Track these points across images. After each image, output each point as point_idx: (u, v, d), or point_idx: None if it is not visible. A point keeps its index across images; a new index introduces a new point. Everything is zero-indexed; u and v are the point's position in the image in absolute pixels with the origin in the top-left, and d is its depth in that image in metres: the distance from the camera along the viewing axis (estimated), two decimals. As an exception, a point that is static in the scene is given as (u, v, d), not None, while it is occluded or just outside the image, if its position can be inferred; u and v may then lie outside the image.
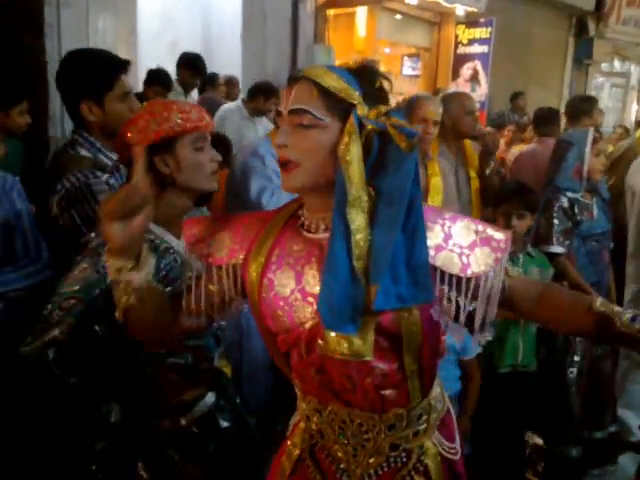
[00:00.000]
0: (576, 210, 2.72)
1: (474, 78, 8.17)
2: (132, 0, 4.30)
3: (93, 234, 1.45)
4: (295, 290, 1.10)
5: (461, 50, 8.32)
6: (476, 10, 7.64)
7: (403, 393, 1.14)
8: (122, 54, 2.01)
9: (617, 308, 1.09)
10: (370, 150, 1.00)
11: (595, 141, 2.73)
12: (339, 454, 1.18)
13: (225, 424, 1.60)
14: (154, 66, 4.44)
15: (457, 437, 1.26)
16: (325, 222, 1.10)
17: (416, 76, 8.44)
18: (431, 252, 1.05)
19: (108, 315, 1.17)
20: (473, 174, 3.11)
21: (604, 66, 11.73)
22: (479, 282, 1.06)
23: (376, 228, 0.99)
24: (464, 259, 1.06)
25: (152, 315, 1.15)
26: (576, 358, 2.75)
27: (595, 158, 2.73)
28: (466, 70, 8.24)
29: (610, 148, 4.78)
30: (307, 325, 1.10)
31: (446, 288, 1.06)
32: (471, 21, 8.15)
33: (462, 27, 8.27)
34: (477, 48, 8.13)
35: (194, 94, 5.09)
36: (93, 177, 1.77)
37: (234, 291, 1.18)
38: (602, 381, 2.91)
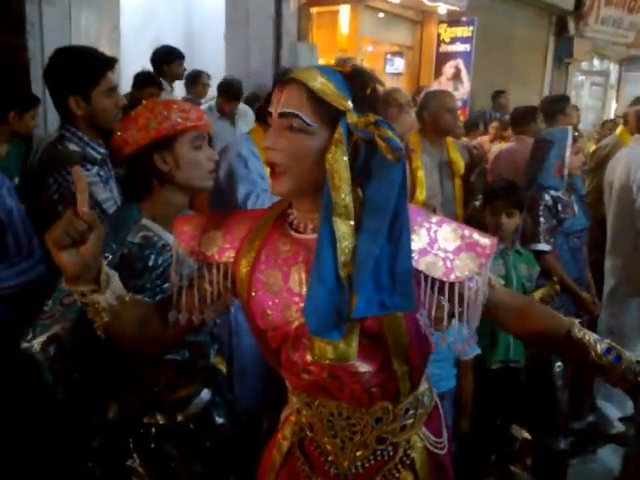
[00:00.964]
0: (559, 208, 2.76)
1: (456, 76, 8.23)
2: (115, -4, 4.28)
3: None
4: (283, 290, 1.12)
5: (443, 49, 8.38)
6: (458, 9, 7.68)
7: (391, 390, 1.16)
8: (105, 50, 2.04)
9: (594, 337, 1.11)
10: (358, 155, 1.01)
11: (575, 140, 2.77)
12: (328, 447, 1.20)
13: (220, 420, 1.61)
14: (137, 62, 4.42)
15: (444, 432, 1.28)
16: (313, 222, 1.10)
17: (399, 74, 8.47)
18: (415, 256, 1.05)
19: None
20: (457, 170, 3.14)
21: (584, 65, 11.85)
22: (463, 288, 1.06)
23: (360, 237, 0.98)
24: (448, 264, 1.06)
25: (135, 328, 1.17)
26: None
27: (575, 156, 2.78)
28: (448, 68, 8.30)
29: (592, 147, 4.85)
30: (294, 325, 1.11)
31: (429, 292, 1.07)
32: (453, 20, 8.20)
33: (444, 26, 8.33)
34: (459, 47, 8.19)
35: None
36: (84, 170, 1.79)
37: (225, 289, 1.18)
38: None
